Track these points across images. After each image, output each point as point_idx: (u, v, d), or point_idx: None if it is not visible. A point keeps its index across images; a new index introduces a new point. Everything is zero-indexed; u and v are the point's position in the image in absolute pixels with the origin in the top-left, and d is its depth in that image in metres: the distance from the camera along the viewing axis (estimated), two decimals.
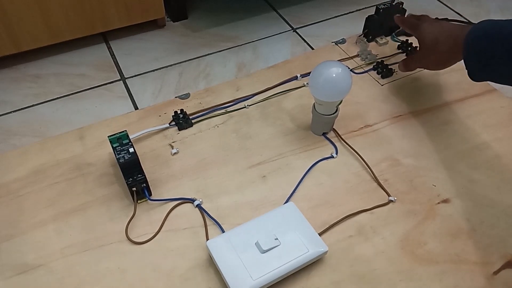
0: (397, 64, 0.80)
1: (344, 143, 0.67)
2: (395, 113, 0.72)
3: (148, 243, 0.55)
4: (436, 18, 0.89)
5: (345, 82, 0.60)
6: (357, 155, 0.65)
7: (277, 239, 0.52)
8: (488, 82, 0.77)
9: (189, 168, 0.63)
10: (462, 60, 0.58)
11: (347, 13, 0.96)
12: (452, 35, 0.60)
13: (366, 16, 0.82)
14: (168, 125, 0.68)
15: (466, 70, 0.58)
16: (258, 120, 0.70)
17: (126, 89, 0.77)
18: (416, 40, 0.69)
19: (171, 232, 0.56)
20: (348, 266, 0.53)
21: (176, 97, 0.74)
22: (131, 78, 0.79)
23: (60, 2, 0.74)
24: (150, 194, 0.58)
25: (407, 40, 0.84)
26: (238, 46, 0.86)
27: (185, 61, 0.83)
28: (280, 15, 0.95)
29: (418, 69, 0.80)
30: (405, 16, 0.84)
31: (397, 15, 0.74)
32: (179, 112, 0.70)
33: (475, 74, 0.57)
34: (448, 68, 0.81)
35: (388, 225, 0.57)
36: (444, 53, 0.62)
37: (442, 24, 0.64)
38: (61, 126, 0.69)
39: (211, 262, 0.53)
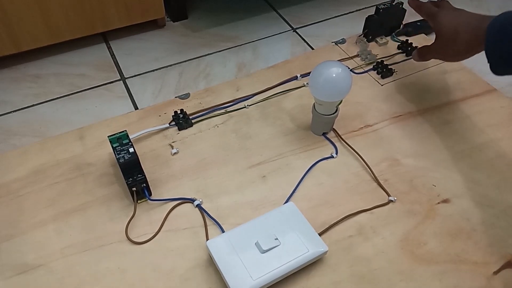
0: (401, 64, 0.80)
1: (344, 143, 0.67)
2: (395, 113, 0.72)
3: (148, 243, 0.55)
4: None
5: (345, 82, 0.60)
6: (357, 155, 0.65)
7: (277, 239, 0.52)
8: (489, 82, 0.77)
9: (189, 168, 0.63)
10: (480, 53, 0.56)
11: (347, 13, 0.96)
12: (472, 26, 0.57)
13: (366, 16, 0.82)
14: (168, 125, 0.68)
15: (488, 64, 0.54)
16: (258, 120, 0.70)
17: (126, 89, 0.77)
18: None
19: (171, 232, 0.56)
20: (348, 266, 0.53)
21: (176, 97, 0.74)
22: (131, 78, 0.79)
23: (60, 2, 0.74)
24: (150, 194, 0.58)
25: (407, 40, 0.84)
26: (238, 46, 0.86)
27: (185, 61, 0.83)
28: (280, 15, 0.95)
29: (417, 71, 0.80)
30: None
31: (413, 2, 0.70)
32: (179, 112, 0.70)
33: (498, 68, 0.54)
34: (448, 68, 0.81)
35: (388, 225, 0.57)
36: (463, 44, 0.59)
37: (462, 13, 0.61)
38: (61, 126, 0.69)
39: (211, 262, 0.53)
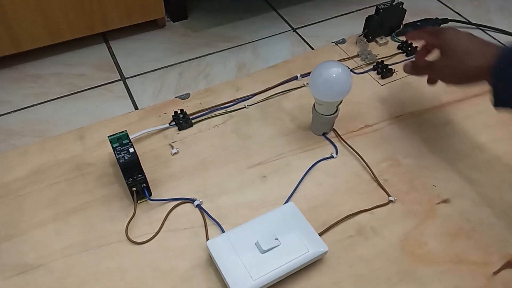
0: (401, 64, 0.80)
1: (344, 143, 0.67)
2: (395, 113, 0.72)
3: (148, 243, 0.55)
4: (437, 18, 0.89)
5: (345, 82, 0.60)
6: (357, 155, 0.65)
7: (277, 239, 0.52)
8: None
9: (189, 168, 0.63)
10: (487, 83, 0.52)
11: (347, 13, 0.96)
12: (485, 53, 0.52)
13: (366, 16, 0.82)
14: (168, 125, 0.69)
15: (492, 97, 0.51)
16: (258, 120, 0.70)
17: (126, 89, 0.77)
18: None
19: (171, 232, 0.56)
20: (348, 266, 0.53)
21: (176, 97, 0.74)
22: (131, 78, 0.79)
23: (60, 2, 0.74)
24: (150, 194, 0.58)
25: (407, 40, 0.84)
26: (238, 46, 0.86)
27: (185, 61, 0.83)
28: (280, 15, 0.95)
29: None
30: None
31: (410, 32, 0.64)
32: (179, 112, 0.70)
33: (502, 103, 0.51)
34: None
35: (388, 225, 0.57)
36: (472, 68, 0.53)
37: (474, 36, 0.56)
38: (61, 126, 0.69)
39: (211, 262, 0.53)
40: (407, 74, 0.79)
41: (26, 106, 0.73)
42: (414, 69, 0.63)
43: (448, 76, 0.58)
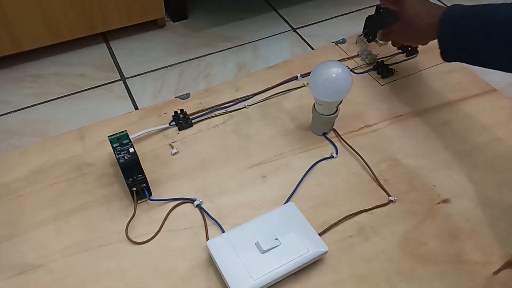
0: (401, 64, 0.80)
1: (344, 143, 0.67)
2: (395, 113, 0.72)
3: (148, 243, 0.55)
4: None
5: (345, 82, 0.60)
6: (357, 155, 0.65)
7: (277, 239, 0.52)
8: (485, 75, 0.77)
9: (189, 168, 0.63)
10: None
11: (347, 13, 0.96)
12: (432, 13, 0.61)
13: (366, 16, 0.82)
14: (168, 125, 0.69)
15: (439, 50, 0.59)
16: (258, 120, 0.70)
17: (126, 89, 0.77)
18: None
19: (171, 232, 0.56)
20: (348, 266, 0.53)
21: (176, 97, 0.74)
22: (131, 78, 0.79)
23: (60, 2, 0.74)
24: (150, 194, 0.58)
25: None
26: (238, 46, 0.86)
27: (185, 61, 0.83)
28: (280, 15, 0.95)
29: (417, 71, 0.80)
30: None
31: None
32: (179, 112, 0.70)
33: (447, 54, 0.59)
34: (448, 68, 0.81)
35: (388, 225, 0.57)
36: (423, 28, 0.62)
37: (425, 1, 0.65)
38: (61, 126, 0.69)
39: (211, 262, 0.53)
40: (407, 74, 0.79)
41: (26, 106, 0.73)
42: (382, 36, 0.73)
43: (405, 37, 0.68)
